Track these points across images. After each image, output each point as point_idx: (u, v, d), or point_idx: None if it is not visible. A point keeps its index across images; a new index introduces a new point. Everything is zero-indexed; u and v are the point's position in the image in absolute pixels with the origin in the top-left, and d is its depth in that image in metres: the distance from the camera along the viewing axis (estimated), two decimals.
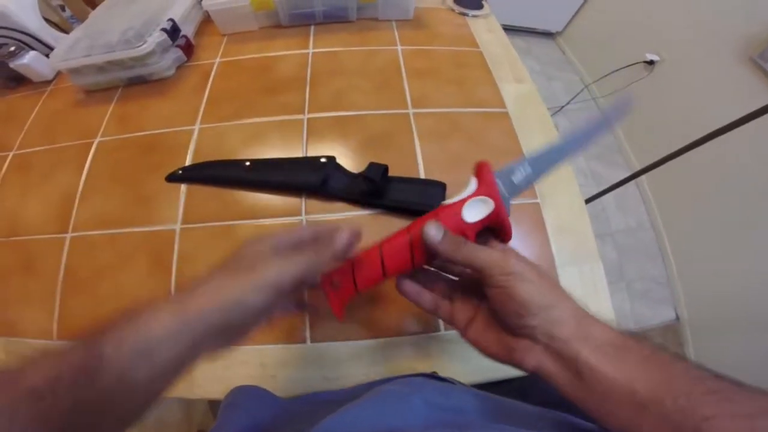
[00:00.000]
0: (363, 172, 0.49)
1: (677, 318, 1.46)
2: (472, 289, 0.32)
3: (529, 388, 0.39)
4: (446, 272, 0.35)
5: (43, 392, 0.19)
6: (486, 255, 0.28)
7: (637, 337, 0.25)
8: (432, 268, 0.35)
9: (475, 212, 0.30)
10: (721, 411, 0.21)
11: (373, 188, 0.49)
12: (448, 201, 0.31)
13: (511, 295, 0.26)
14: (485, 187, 0.30)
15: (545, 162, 0.33)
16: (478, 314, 0.31)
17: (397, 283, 0.34)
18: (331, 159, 0.53)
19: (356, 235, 0.32)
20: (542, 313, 0.26)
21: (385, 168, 0.49)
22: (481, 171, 0.31)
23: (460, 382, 0.38)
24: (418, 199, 0.50)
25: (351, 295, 0.34)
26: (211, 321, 0.25)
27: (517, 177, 0.32)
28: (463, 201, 0.30)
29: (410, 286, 0.33)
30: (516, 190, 0.32)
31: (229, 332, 0.27)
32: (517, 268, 0.27)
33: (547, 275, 0.28)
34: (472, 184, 0.31)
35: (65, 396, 0.20)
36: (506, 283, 0.26)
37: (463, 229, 0.30)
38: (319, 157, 0.53)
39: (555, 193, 0.53)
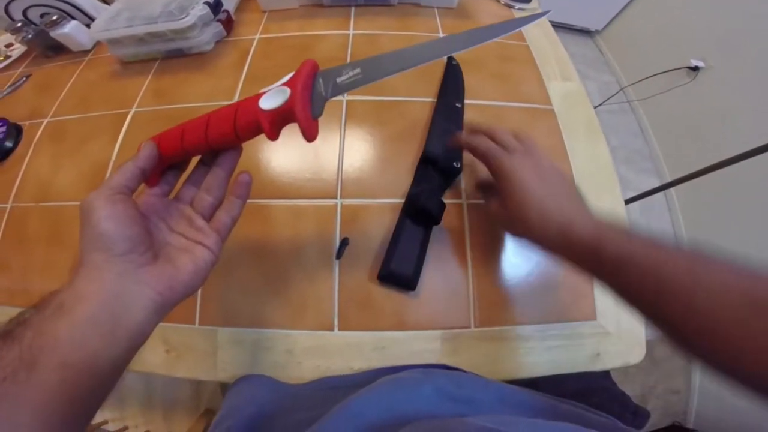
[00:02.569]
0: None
1: None
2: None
3: (542, 384, 0.41)
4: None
5: None
6: (486, 145, 0.39)
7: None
8: None
9: (272, 101, 0.29)
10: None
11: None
12: (263, 89, 0.30)
13: (507, 193, 0.37)
14: (292, 81, 0.29)
15: (382, 65, 0.32)
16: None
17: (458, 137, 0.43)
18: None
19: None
20: (532, 209, 0.35)
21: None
22: (301, 66, 0.30)
23: (472, 372, 0.39)
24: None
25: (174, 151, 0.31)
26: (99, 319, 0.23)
27: (343, 77, 0.31)
28: (266, 91, 0.29)
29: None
30: (339, 89, 0.31)
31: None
32: (507, 163, 0.37)
33: (544, 166, 0.38)
34: (288, 77, 0.30)
35: None
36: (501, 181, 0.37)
37: (256, 116, 0.29)
38: None
39: (598, 199, 0.51)
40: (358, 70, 0.31)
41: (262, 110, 0.28)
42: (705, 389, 1.32)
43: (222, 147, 0.32)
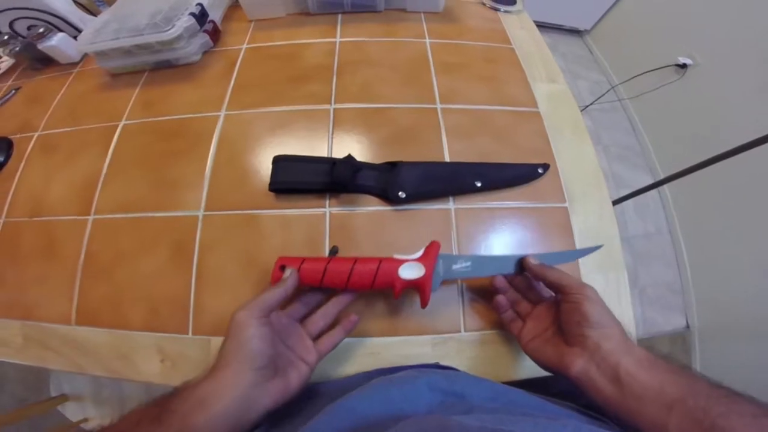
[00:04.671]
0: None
1: (687, 326, 1.45)
2: (543, 315, 0.39)
3: (532, 384, 0.42)
4: (526, 298, 0.42)
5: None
6: (569, 278, 0.37)
7: (668, 357, 0.32)
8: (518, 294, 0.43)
9: (408, 272, 0.38)
10: (732, 410, 0.26)
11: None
12: (398, 255, 0.40)
13: (579, 309, 0.34)
14: (425, 259, 0.39)
15: (486, 266, 0.42)
16: (544, 333, 0.38)
17: (496, 296, 0.42)
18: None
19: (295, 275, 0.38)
20: (598, 327, 0.33)
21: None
22: (430, 247, 0.40)
23: (463, 372, 0.40)
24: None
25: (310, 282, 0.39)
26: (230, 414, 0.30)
27: (457, 265, 0.41)
28: (404, 261, 0.39)
29: (503, 300, 0.42)
30: (452, 275, 0.41)
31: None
32: (590, 293, 0.35)
33: (608, 307, 0.36)
34: (420, 252, 0.40)
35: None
36: (578, 300, 0.35)
37: (393, 281, 0.38)
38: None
39: (585, 199, 0.52)
40: (468, 264, 0.41)
41: (400, 278, 0.38)
42: None
43: (350, 292, 0.40)
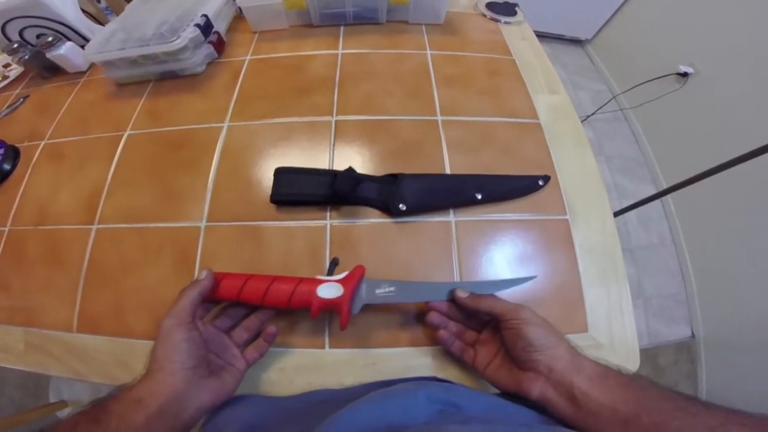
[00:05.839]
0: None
1: (693, 336, 1.43)
2: (490, 340, 0.39)
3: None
4: (469, 327, 0.42)
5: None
6: (503, 304, 0.37)
7: (617, 369, 0.32)
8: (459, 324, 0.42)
9: (327, 291, 0.39)
10: (688, 423, 0.26)
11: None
12: (320, 276, 0.41)
13: (521, 335, 0.34)
14: (347, 281, 0.39)
15: (413, 292, 0.42)
16: (495, 358, 0.38)
17: (438, 332, 0.41)
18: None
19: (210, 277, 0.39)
20: (544, 350, 0.33)
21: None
22: (354, 270, 0.40)
23: (461, 384, 0.40)
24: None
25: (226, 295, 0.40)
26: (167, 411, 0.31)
27: (381, 290, 0.41)
28: (324, 281, 0.40)
29: (444, 335, 0.41)
30: (376, 299, 0.40)
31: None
32: (526, 315, 0.35)
33: (549, 323, 0.36)
34: (343, 275, 0.40)
35: None
36: (517, 326, 0.35)
37: (311, 300, 0.38)
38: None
39: (586, 211, 0.52)
40: (393, 289, 0.41)
41: (318, 297, 0.38)
42: (711, 396, 1.31)
43: (270, 308, 0.41)
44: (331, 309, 0.39)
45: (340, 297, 0.38)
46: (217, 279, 0.39)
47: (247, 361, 0.39)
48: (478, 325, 0.41)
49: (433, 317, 0.41)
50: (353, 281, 0.39)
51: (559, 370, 0.32)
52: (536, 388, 0.33)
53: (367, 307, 0.41)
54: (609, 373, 0.32)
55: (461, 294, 0.40)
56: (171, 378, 0.32)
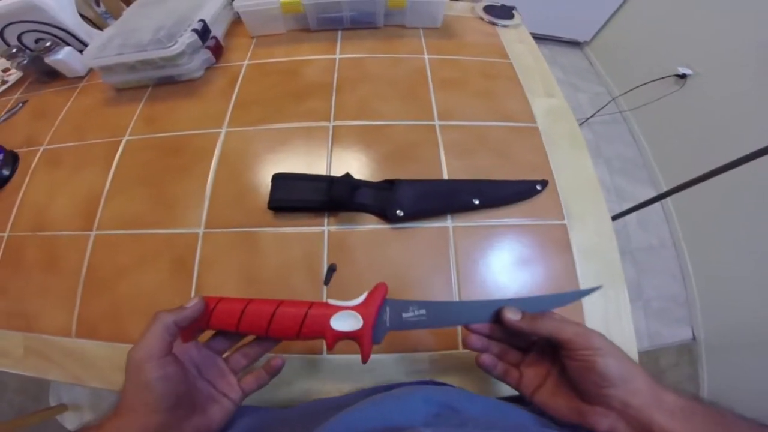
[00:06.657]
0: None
1: (694, 338, 1.43)
2: (539, 360, 0.35)
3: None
4: (514, 346, 0.37)
5: None
6: (570, 329, 0.31)
7: (704, 402, 0.28)
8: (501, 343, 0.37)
9: (342, 323, 0.32)
10: None
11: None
12: (333, 301, 0.33)
13: (594, 368, 0.29)
14: (365, 307, 0.32)
15: (449, 315, 0.35)
16: (546, 382, 0.33)
17: (479, 357, 0.36)
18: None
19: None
20: (621, 384, 0.28)
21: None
22: (373, 291, 0.33)
23: (458, 388, 0.39)
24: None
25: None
26: None
27: (408, 313, 0.34)
28: (339, 308, 0.32)
29: (488, 359, 0.36)
30: (403, 325, 0.33)
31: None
32: (599, 344, 0.30)
33: (621, 350, 0.31)
34: (361, 298, 0.33)
35: None
36: (588, 357, 0.29)
37: (324, 331, 0.31)
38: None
39: (583, 215, 0.52)
40: (423, 312, 0.34)
41: (332, 329, 0.31)
42: (714, 397, 1.30)
43: (277, 339, 0.35)
44: (350, 340, 0.33)
45: (359, 329, 0.31)
46: (210, 305, 0.32)
47: (243, 391, 0.34)
48: (524, 344, 0.37)
49: (475, 342, 0.36)
50: (374, 306, 0.32)
51: (637, 406, 0.28)
52: (605, 423, 0.29)
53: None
54: (695, 408, 0.28)
55: (512, 316, 0.33)
56: (144, 420, 0.27)
